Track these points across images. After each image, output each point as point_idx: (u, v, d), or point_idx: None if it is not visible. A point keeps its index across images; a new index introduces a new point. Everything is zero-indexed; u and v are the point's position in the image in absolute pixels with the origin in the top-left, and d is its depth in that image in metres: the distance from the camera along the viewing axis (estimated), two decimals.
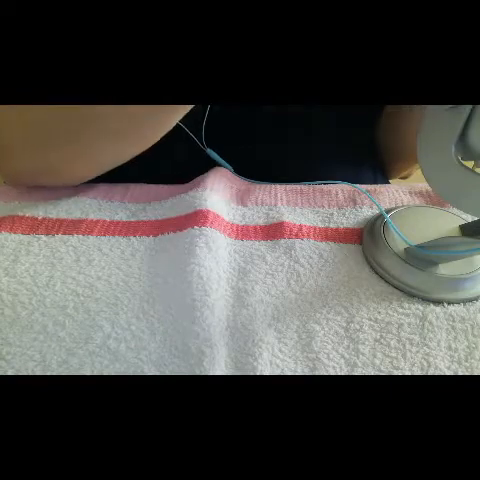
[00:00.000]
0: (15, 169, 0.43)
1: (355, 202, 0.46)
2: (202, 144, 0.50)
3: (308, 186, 0.48)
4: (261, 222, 0.43)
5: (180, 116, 0.38)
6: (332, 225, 0.43)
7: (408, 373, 0.30)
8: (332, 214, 0.44)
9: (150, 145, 0.40)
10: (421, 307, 0.35)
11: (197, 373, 0.29)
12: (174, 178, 0.48)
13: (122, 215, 0.44)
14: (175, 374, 0.29)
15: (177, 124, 0.44)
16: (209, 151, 0.50)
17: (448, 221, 0.41)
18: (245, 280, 0.37)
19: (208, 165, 0.49)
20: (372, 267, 0.38)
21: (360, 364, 0.31)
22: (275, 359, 0.31)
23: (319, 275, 0.38)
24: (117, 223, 0.43)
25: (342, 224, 0.43)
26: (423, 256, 0.37)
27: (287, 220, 0.43)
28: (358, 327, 0.33)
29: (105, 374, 0.29)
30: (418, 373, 0.30)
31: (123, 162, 0.43)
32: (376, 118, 0.58)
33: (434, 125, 0.33)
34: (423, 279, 0.36)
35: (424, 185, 0.48)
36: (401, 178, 0.70)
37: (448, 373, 0.30)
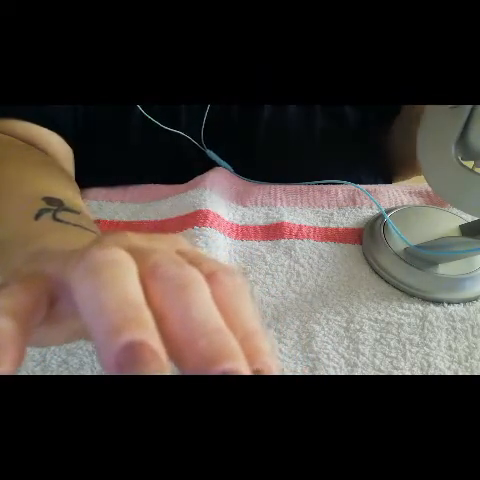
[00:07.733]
0: None
1: (355, 202, 0.46)
2: (201, 145, 0.49)
3: (308, 186, 0.48)
4: (261, 222, 0.43)
5: None
6: (332, 225, 0.43)
7: (408, 373, 0.30)
8: (332, 214, 0.44)
9: None
10: (421, 307, 0.35)
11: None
12: (174, 179, 0.48)
13: (122, 215, 0.44)
14: (175, 374, 0.29)
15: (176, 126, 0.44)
16: (209, 152, 0.50)
17: (448, 221, 0.41)
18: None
19: (208, 166, 0.49)
20: (372, 267, 0.38)
21: (360, 364, 0.31)
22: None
23: (319, 275, 0.38)
24: (117, 223, 0.43)
25: (342, 224, 0.43)
26: (423, 256, 0.37)
27: (287, 220, 0.43)
28: (358, 327, 0.33)
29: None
30: (418, 373, 0.30)
31: None
32: (384, 120, 0.57)
33: (434, 125, 0.33)
34: (423, 279, 0.36)
35: (424, 185, 0.48)
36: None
37: (448, 373, 0.30)
